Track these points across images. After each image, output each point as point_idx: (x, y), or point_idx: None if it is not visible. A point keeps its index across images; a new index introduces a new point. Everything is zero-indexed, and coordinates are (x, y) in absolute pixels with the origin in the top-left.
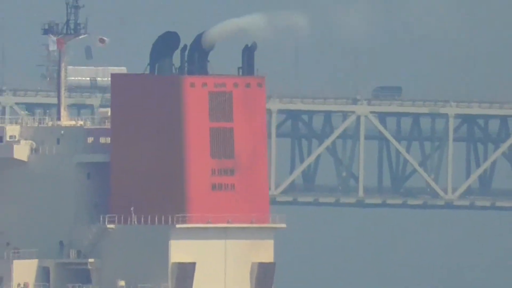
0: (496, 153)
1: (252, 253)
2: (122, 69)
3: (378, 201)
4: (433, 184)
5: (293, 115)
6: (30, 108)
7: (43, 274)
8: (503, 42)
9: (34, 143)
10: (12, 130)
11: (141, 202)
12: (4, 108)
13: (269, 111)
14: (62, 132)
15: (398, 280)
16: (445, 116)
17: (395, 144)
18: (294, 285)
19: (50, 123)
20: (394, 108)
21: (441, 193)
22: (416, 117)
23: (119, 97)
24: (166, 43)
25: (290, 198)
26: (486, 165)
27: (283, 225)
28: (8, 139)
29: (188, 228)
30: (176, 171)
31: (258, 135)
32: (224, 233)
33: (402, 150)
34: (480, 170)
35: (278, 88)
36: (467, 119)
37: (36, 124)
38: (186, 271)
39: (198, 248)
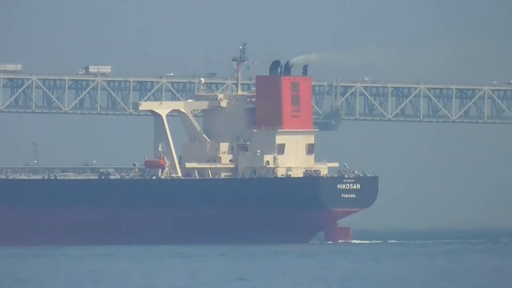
0: (470, 102)
1: (306, 140)
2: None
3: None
4: (447, 113)
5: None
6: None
7: (231, 148)
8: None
9: (228, 100)
10: (220, 96)
11: (265, 121)
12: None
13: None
14: (237, 97)
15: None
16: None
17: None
18: (329, 152)
19: (234, 93)
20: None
21: (450, 116)
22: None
23: (259, 83)
24: (275, 65)
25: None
26: (466, 107)
27: (317, 130)
28: (218, 99)
29: (282, 130)
30: (277, 110)
31: (307, 97)
32: (295, 133)
33: (439, 104)
34: (464, 109)
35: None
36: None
37: (228, 93)
38: (282, 147)
39: (286, 138)
